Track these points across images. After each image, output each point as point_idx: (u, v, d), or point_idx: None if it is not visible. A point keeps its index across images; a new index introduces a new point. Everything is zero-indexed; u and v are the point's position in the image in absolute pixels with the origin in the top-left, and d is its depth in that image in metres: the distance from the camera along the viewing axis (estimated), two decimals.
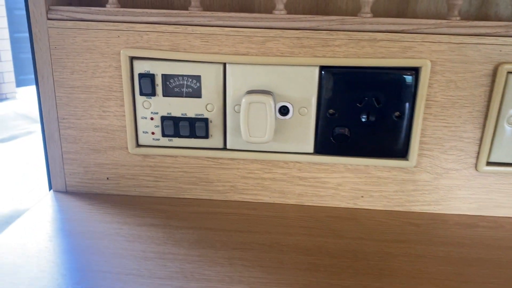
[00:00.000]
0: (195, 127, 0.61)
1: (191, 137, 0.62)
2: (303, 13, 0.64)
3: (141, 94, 0.60)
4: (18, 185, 2.91)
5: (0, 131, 3.92)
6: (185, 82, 0.60)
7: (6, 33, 4.60)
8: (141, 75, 0.60)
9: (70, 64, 0.60)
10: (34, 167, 3.16)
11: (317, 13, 0.65)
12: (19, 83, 4.93)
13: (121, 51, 0.58)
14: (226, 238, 0.55)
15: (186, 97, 0.60)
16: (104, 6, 0.59)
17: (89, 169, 0.65)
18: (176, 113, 0.61)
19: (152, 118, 0.62)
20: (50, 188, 0.70)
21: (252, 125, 0.57)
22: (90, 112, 0.62)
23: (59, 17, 0.58)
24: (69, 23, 0.58)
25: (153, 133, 0.62)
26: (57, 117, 0.62)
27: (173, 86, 0.60)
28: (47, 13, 0.58)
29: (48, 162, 0.68)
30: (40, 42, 0.59)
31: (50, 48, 0.59)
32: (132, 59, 0.59)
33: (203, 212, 0.62)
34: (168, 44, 0.58)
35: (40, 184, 2.91)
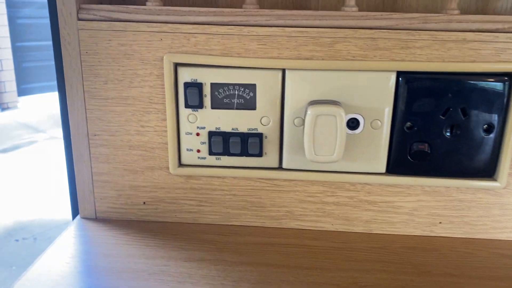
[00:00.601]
0: (247, 144, 0.53)
1: (242, 155, 0.54)
2: (368, 11, 0.56)
3: (187, 106, 0.52)
4: (21, 195, 2.82)
5: (2, 141, 3.84)
6: (236, 92, 0.52)
7: (7, 42, 4.52)
8: (187, 85, 0.51)
9: (103, 72, 0.51)
10: (38, 177, 3.07)
11: (383, 11, 0.56)
12: (21, 92, 4.84)
13: (165, 57, 0.50)
14: (293, 277, 0.46)
15: (237, 109, 0.52)
16: (144, 4, 0.50)
17: (123, 193, 0.56)
18: (226, 127, 0.53)
19: (198, 134, 0.53)
20: (75, 214, 0.61)
21: (319, 141, 0.49)
22: (126, 127, 0.53)
23: (91, 17, 0.50)
24: (104, 24, 0.50)
25: (198, 151, 0.54)
26: (87, 133, 0.54)
27: (223, 97, 0.52)
28: (77, 13, 0.50)
29: (72, 184, 0.59)
30: (68, 46, 0.50)
31: (80, 54, 0.51)
32: (176, 65, 0.51)
33: (257, 243, 0.53)
34: (219, 48, 0.50)
35: (44, 193, 2.82)
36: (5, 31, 4.53)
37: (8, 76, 4.61)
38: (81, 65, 0.51)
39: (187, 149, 0.54)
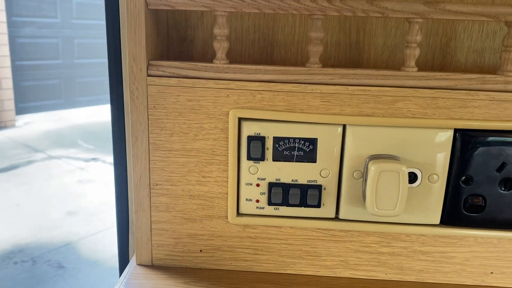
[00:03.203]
0: (306, 195, 0.54)
1: (301, 206, 0.55)
2: (418, 65, 0.59)
3: (249, 158, 0.53)
4: (19, 216, 2.78)
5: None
6: (297, 145, 0.53)
7: (7, 61, 4.52)
8: (251, 138, 0.53)
9: (170, 125, 0.53)
10: (36, 198, 3.04)
11: (432, 68, 0.59)
12: (19, 111, 4.83)
13: (230, 112, 0.52)
14: None
15: (297, 161, 0.54)
16: (211, 61, 0.52)
17: (181, 241, 0.57)
18: (286, 179, 0.54)
19: (258, 185, 0.54)
20: (122, 257, 0.62)
21: (381, 196, 0.50)
22: (188, 177, 0.54)
23: (160, 73, 0.51)
24: (172, 81, 0.51)
25: (257, 201, 0.55)
26: (149, 183, 0.55)
27: (284, 149, 0.53)
28: (147, 69, 0.51)
29: (122, 229, 0.60)
30: (137, 100, 0.52)
31: (148, 108, 0.52)
32: (240, 120, 0.53)
33: None
34: (283, 105, 0.52)
35: (42, 214, 2.78)
36: (6, 50, 4.54)
37: (7, 95, 4.59)
38: (148, 118, 0.52)
39: (247, 199, 0.55)
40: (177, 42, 0.59)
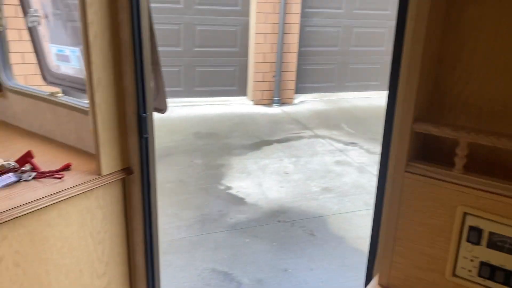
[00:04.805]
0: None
1: (505, 285, 0.74)
2: None
3: (467, 241, 0.75)
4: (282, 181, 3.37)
5: (277, 132, 4.59)
6: (508, 241, 0.72)
7: (296, 47, 5.37)
8: (471, 228, 0.74)
9: (413, 207, 0.79)
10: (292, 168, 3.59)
11: None
12: (298, 90, 5.68)
13: (458, 207, 0.74)
14: None
15: (506, 253, 0.72)
16: (450, 169, 0.75)
17: (409, 279, 0.84)
18: (496, 262, 0.74)
19: (471, 260, 0.76)
20: (369, 273, 0.92)
21: None
22: (422, 240, 0.80)
23: (414, 171, 0.78)
24: (421, 178, 0.77)
25: (469, 271, 0.77)
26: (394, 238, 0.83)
27: (495, 241, 0.73)
28: (405, 167, 0.78)
29: (373, 247, 0.89)
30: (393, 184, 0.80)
31: (400, 196, 0.80)
32: (465, 214, 0.75)
33: None
34: (502, 211, 0.71)
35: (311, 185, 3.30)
36: (296, 38, 5.38)
37: (291, 76, 5.48)
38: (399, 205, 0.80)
39: (461, 267, 0.77)
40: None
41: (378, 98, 5.92)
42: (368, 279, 0.93)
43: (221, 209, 2.97)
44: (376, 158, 3.93)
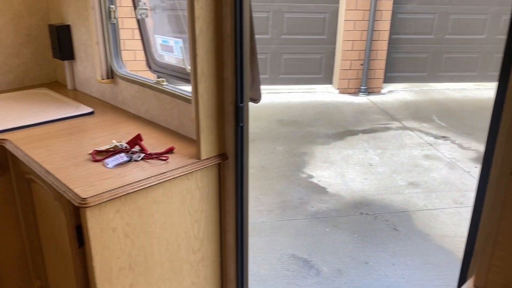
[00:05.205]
0: None
1: None
2: None
3: None
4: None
5: (363, 122, 4.50)
6: None
7: (386, 35, 5.18)
8: None
9: None
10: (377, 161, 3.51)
11: None
12: (386, 79, 5.49)
13: None
14: None
15: None
16: None
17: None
18: None
19: None
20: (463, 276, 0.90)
21: None
22: None
23: None
24: None
25: None
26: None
27: None
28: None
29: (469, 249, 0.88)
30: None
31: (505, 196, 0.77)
32: None
33: None
34: None
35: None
36: (387, 25, 5.19)
37: (380, 65, 5.31)
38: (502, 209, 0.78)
39: None
40: None
41: (475, 90, 5.55)
42: (462, 280, 0.91)
43: (301, 197, 3.01)
44: (469, 154, 3.73)
